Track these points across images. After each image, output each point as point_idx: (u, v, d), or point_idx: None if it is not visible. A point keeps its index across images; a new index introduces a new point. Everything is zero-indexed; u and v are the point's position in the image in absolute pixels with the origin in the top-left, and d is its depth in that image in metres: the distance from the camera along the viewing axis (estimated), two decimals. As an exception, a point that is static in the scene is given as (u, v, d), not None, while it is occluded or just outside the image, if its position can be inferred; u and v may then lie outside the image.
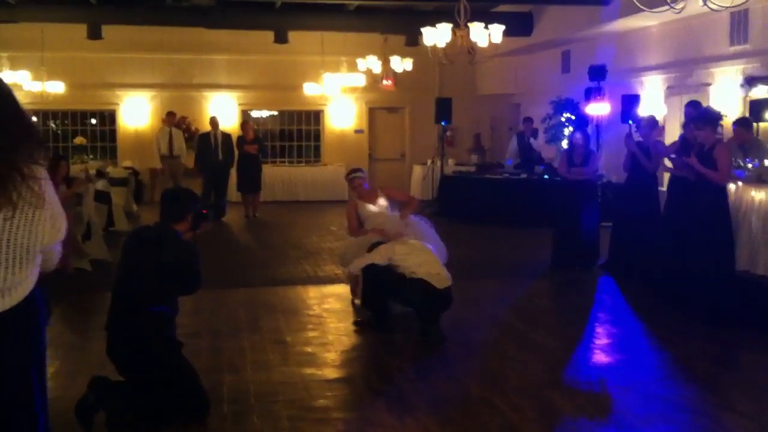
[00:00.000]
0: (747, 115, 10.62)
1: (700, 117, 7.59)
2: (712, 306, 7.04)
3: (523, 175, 14.35)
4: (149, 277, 4.59)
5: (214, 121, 14.97)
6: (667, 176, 9.15)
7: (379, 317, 6.81)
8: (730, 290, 7.08)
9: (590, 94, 13.50)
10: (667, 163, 8.87)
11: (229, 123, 18.34)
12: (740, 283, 7.24)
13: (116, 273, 4.83)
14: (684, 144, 8.38)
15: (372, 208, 7.72)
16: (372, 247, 6.98)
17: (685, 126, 8.57)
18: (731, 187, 7.71)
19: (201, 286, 4.79)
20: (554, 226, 10.09)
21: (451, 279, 6.69)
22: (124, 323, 4.62)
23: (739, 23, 11.19)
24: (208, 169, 14.59)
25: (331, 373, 5.73)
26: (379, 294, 6.77)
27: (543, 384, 5.47)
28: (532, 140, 15.07)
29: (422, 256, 6.70)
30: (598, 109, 13.49)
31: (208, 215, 4.91)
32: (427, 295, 6.49)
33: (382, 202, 7.80)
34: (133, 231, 5.27)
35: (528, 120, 15.45)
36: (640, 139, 9.19)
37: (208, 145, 14.63)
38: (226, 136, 14.91)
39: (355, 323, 6.97)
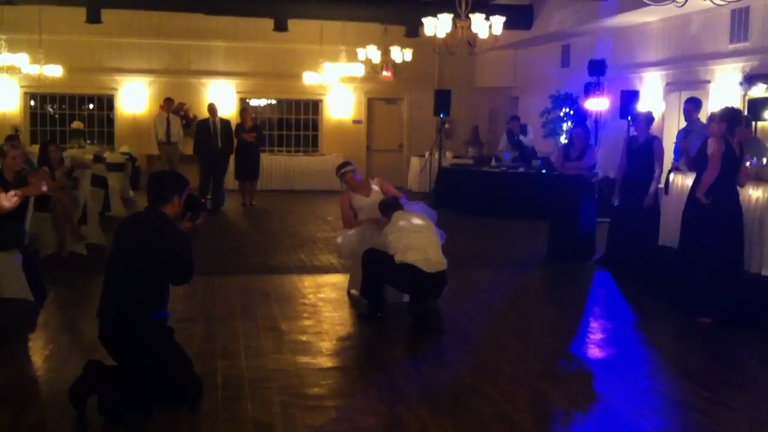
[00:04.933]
0: (746, 113, 10.61)
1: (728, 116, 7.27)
2: (713, 303, 6.98)
3: (521, 169, 14.34)
4: (141, 261, 4.57)
5: (212, 108, 14.83)
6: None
7: (375, 306, 6.80)
8: (734, 288, 7.01)
9: (589, 89, 13.49)
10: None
11: (228, 110, 18.34)
12: (742, 281, 7.18)
13: (108, 259, 4.82)
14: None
15: (365, 199, 7.70)
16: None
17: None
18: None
19: (192, 274, 4.75)
20: (550, 219, 10.10)
21: (446, 263, 6.69)
22: (116, 311, 4.60)
23: (740, 21, 11.18)
24: (207, 155, 14.50)
25: (324, 362, 5.73)
26: (376, 281, 6.76)
27: (536, 375, 5.49)
28: (522, 137, 15.03)
29: (414, 239, 6.64)
30: (597, 104, 13.49)
31: (206, 204, 4.88)
32: (417, 280, 6.48)
33: (376, 190, 7.76)
34: (124, 218, 5.25)
35: (515, 118, 15.39)
36: (635, 133, 9.18)
37: (208, 132, 14.51)
38: (225, 123, 14.78)
39: (359, 316, 6.96)
